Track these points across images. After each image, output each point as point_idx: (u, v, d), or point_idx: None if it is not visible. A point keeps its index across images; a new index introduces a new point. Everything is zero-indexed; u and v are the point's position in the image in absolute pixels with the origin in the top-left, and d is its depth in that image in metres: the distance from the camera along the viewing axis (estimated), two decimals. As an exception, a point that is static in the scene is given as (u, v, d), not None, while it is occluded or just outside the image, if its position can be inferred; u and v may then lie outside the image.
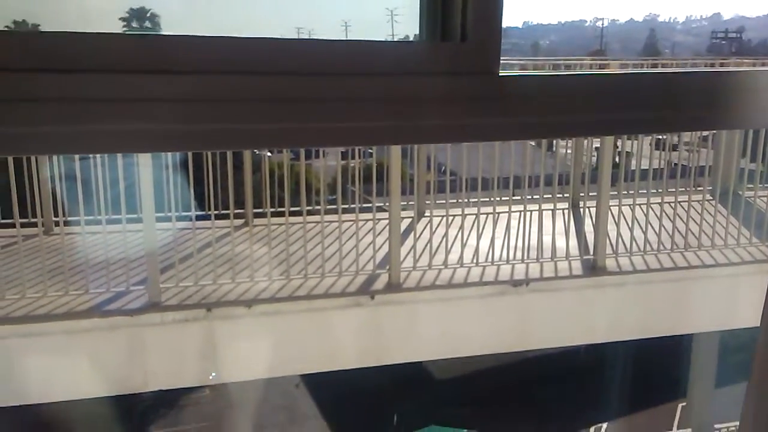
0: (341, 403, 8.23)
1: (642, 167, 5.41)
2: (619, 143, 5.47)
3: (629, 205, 4.75)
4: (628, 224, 4.70)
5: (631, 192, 4.91)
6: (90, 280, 3.85)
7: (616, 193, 4.81)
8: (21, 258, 3.82)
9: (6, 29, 0.83)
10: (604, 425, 8.87)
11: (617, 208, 4.82)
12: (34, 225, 4.35)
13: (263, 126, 0.90)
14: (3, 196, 4.21)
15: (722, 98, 1.10)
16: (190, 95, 0.86)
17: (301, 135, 0.93)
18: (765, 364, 0.89)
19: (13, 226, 4.09)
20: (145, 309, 3.79)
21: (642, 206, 4.74)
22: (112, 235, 4.12)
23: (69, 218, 4.32)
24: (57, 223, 4.41)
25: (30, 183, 4.32)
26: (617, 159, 5.84)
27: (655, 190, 5.00)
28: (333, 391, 8.04)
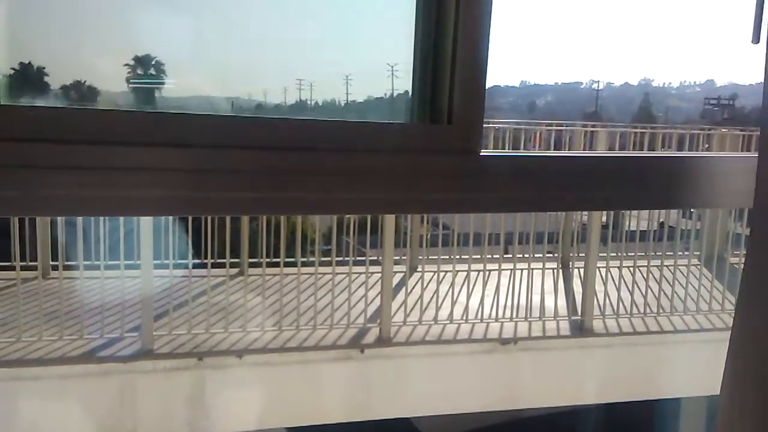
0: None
1: (632, 227, 5.54)
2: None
3: (617, 266, 4.85)
4: (615, 285, 4.80)
5: (620, 254, 5.03)
6: (85, 325, 3.90)
7: (605, 254, 4.92)
8: (19, 301, 3.87)
9: (45, 106, 0.94)
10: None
11: (606, 269, 4.92)
12: (33, 268, 4.41)
13: (270, 195, 0.99)
14: (3, 238, 4.28)
15: (684, 180, 1.22)
16: (201, 166, 0.96)
17: (302, 204, 1.03)
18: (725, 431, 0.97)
19: (11, 268, 4.15)
20: (138, 356, 3.83)
21: (630, 268, 4.83)
22: (109, 281, 4.19)
23: (67, 262, 4.38)
24: (55, 267, 4.47)
25: (31, 227, 4.40)
26: (607, 220, 5.97)
27: (643, 253, 5.10)
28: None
